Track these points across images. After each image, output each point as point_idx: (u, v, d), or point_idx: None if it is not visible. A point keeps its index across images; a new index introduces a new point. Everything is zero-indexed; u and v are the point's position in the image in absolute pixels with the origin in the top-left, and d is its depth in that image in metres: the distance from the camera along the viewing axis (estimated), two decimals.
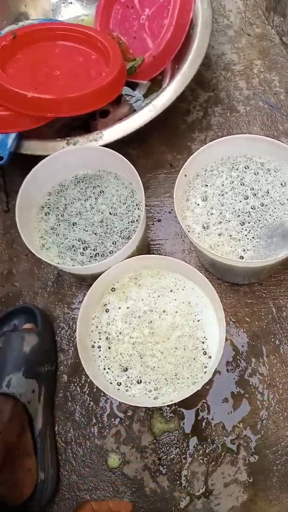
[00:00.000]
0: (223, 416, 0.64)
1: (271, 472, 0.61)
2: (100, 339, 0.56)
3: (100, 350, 0.55)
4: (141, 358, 0.55)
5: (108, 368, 0.54)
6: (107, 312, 0.57)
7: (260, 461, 0.61)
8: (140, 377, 0.54)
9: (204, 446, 0.63)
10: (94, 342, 0.56)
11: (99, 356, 0.55)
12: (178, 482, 0.62)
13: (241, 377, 0.65)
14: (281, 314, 0.68)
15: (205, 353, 0.54)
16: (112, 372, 0.54)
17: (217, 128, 0.79)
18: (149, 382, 0.54)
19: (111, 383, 0.54)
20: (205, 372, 0.53)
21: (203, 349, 0.55)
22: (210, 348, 0.55)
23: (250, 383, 0.64)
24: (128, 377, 0.54)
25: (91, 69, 0.69)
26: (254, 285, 0.69)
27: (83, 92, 0.64)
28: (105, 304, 0.57)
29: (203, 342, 0.55)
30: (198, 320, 0.56)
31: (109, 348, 0.55)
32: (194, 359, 0.54)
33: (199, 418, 0.64)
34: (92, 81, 0.67)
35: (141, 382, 0.54)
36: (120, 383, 0.54)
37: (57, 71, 0.68)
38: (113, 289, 0.58)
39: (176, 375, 0.54)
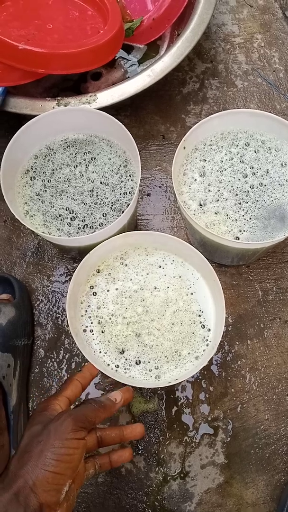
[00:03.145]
0: (204, 398, 0.63)
1: (248, 455, 0.61)
2: (92, 323, 0.53)
3: (93, 334, 0.53)
4: (138, 337, 0.52)
5: (105, 352, 0.52)
6: (95, 295, 0.54)
7: (237, 444, 0.61)
8: (138, 357, 0.52)
9: (183, 427, 0.61)
10: (86, 327, 0.53)
11: (94, 340, 0.52)
12: (154, 463, 0.60)
13: (224, 359, 0.64)
14: (267, 298, 0.67)
15: (203, 327, 0.53)
16: (109, 356, 0.52)
17: (213, 102, 0.76)
18: (149, 362, 0.52)
19: (108, 364, 0.51)
20: (207, 345, 0.52)
21: (200, 322, 0.53)
22: (207, 321, 0.53)
23: (233, 366, 0.64)
24: (126, 359, 0.52)
25: (87, 26, 0.64)
26: (241, 267, 0.68)
27: (79, 49, 0.59)
28: (92, 287, 0.54)
29: (199, 316, 0.53)
30: (192, 294, 0.54)
31: (103, 332, 0.52)
32: (193, 333, 0.53)
33: (179, 399, 0.62)
34: (88, 38, 0.62)
35: (140, 362, 0.51)
36: (118, 365, 0.51)
37: (50, 24, 0.63)
38: (98, 271, 0.55)
39: (176, 351, 0.52)
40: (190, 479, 0.60)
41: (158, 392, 0.62)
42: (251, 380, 0.63)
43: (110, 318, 0.53)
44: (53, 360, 0.64)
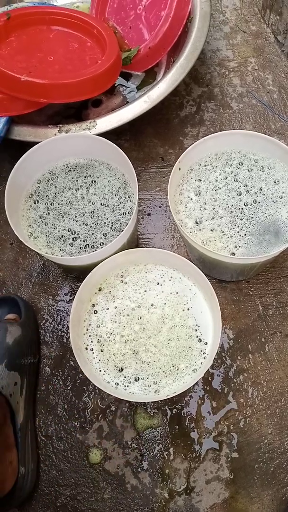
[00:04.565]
0: (207, 413, 0.63)
1: (253, 470, 0.61)
2: (92, 342, 0.55)
3: (93, 353, 0.54)
4: (135, 355, 0.54)
5: (104, 371, 0.53)
6: (95, 313, 0.56)
7: (242, 459, 0.61)
8: (137, 374, 0.53)
9: (187, 442, 0.62)
10: (87, 345, 0.55)
11: (94, 358, 0.54)
12: (159, 479, 0.61)
13: (226, 374, 0.65)
14: (267, 312, 0.68)
15: (200, 340, 0.54)
16: (108, 374, 0.53)
17: (210, 124, 0.79)
18: (147, 378, 0.53)
19: (108, 382, 0.53)
20: (204, 358, 0.53)
21: (197, 336, 0.54)
22: (204, 334, 0.54)
23: (235, 381, 0.64)
24: (125, 377, 0.53)
25: (86, 56, 0.67)
26: (241, 283, 0.69)
27: (79, 79, 0.62)
28: (93, 305, 0.56)
29: (196, 330, 0.54)
30: (188, 309, 0.55)
31: (102, 351, 0.54)
32: (190, 347, 0.54)
33: (182, 414, 0.63)
34: (87, 68, 0.65)
35: (139, 379, 0.53)
36: (118, 383, 0.53)
37: (51, 56, 0.66)
38: (99, 289, 0.57)
39: (174, 365, 0.53)
40: (196, 494, 0.61)
41: (162, 408, 0.63)
42: (254, 394, 0.64)
43: (108, 337, 0.54)
44: (58, 377, 0.66)
